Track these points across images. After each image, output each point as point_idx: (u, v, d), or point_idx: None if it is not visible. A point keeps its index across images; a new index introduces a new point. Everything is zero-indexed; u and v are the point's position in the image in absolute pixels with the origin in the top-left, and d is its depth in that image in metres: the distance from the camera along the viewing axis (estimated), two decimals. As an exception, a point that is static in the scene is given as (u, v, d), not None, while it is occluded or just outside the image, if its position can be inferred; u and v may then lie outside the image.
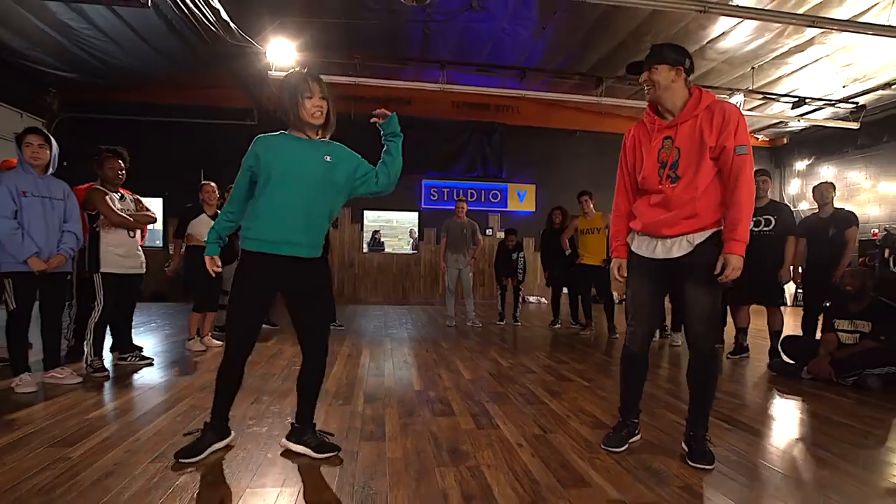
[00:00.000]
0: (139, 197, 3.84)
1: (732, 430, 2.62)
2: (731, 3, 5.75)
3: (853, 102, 8.77)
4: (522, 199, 10.35)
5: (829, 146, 10.19)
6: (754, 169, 4.58)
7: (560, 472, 2.05)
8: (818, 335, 4.33)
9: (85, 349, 3.49)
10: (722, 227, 2.06)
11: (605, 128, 10.35)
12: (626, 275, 2.29)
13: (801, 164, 10.88)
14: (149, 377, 3.46)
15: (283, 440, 2.20)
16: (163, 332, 5.58)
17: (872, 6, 6.01)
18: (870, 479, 2.06)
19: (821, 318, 4.40)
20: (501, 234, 9.87)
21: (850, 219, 4.50)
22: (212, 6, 5.78)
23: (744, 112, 8.69)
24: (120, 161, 3.60)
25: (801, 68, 7.95)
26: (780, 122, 10.07)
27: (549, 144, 10.39)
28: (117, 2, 5.64)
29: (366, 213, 9.97)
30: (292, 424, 2.21)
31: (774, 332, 4.53)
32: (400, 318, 7.35)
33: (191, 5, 5.68)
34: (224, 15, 6.01)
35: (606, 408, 2.96)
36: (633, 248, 2.26)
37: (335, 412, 2.75)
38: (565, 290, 6.71)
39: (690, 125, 2.07)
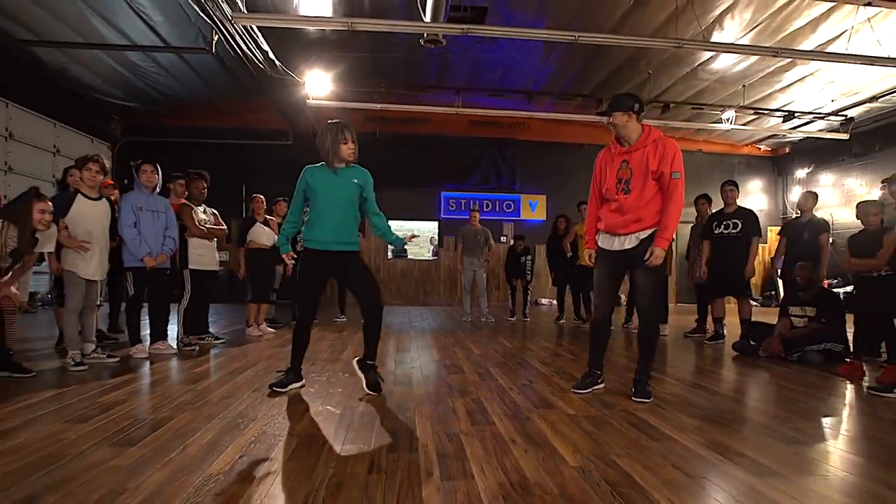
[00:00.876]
0: (215, 211, 4.84)
1: (679, 385, 3.42)
2: (706, 39, 6.55)
3: (842, 115, 9.40)
4: (534, 208, 11.19)
5: (827, 155, 10.77)
6: (725, 179, 5.43)
7: (536, 401, 2.89)
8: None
9: (177, 328, 4.48)
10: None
11: (610, 141, 11.12)
12: (594, 261, 3.16)
13: (801, 173, 11.47)
14: (225, 351, 4.41)
15: (354, 362, 3.11)
16: (220, 323, 6.57)
17: (841, 34, 6.72)
18: (791, 421, 2.85)
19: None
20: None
21: (823, 226, 5.21)
22: (261, 47, 6.83)
23: (737, 126, 9.45)
24: (203, 181, 4.60)
25: (790, 85, 8.65)
26: (778, 135, 10.71)
27: (558, 157, 11.22)
28: (188, 50, 6.75)
29: (389, 223, 10.91)
30: (360, 361, 3.09)
31: (744, 320, 5.26)
32: (421, 315, 8.23)
33: (243, 46, 6.73)
34: (271, 54, 7.06)
35: (581, 369, 3.78)
36: (598, 243, 3.09)
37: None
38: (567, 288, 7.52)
39: (640, 153, 2.87)
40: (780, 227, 5.53)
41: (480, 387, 3.22)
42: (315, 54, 7.82)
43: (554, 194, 11.21)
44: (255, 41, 6.55)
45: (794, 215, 11.05)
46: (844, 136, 9.47)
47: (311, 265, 2.99)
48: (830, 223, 8.31)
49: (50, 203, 3.28)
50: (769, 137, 11.30)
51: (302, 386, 3.07)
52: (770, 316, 5.56)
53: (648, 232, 2.89)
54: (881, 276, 3.96)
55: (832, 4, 6.10)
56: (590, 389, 3.10)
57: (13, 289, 3.23)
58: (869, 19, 6.15)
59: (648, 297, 2.95)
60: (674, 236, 3.03)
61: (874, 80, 8.15)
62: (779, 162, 12.14)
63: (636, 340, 3.07)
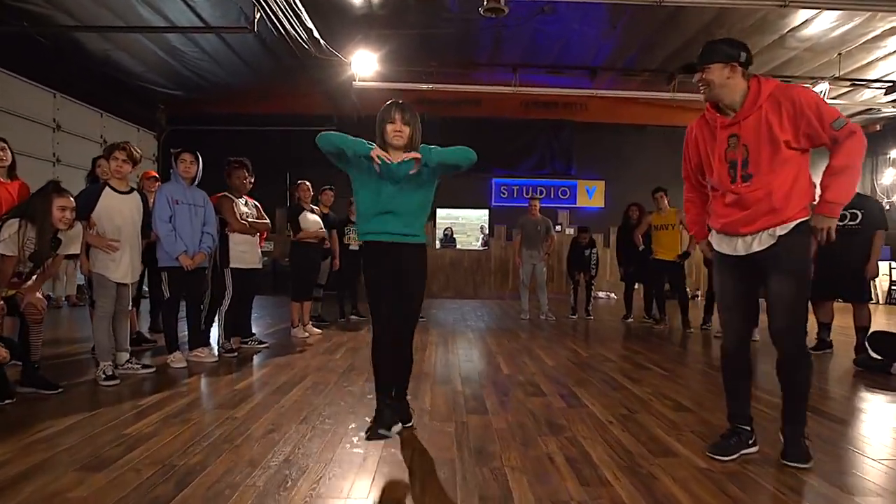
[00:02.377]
0: (257, 203, 4.42)
1: (819, 419, 2.74)
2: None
3: (957, 85, 8.14)
4: (592, 195, 10.41)
5: (930, 132, 9.48)
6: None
7: (649, 444, 2.29)
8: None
9: (217, 333, 4.10)
10: (808, 217, 2.02)
11: (675, 122, 10.12)
12: (714, 270, 2.35)
13: (895, 153, 10.17)
14: (270, 359, 4.00)
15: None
16: (263, 321, 6.24)
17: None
18: (958, 463, 2.16)
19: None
20: (570, 231, 10.03)
21: (881, 222, 4.32)
22: (305, 25, 6.35)
23: (829, 101, 8.33)
24: (245, 171, 4.17)
25: (894, 52, 7.50)
26: (872, 109, 9.47)
27: (618, 140, 10.36)
28: (228, 29, 6.37)
29: (437, 210, 10.42)
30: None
31: (861, 327, 4.44)
32: (475, 311, 7.69)
33: (287, 25, 6.27)
34: (315, 33, 6.58)
35: (686, 394, 3.15)
36: (714, 247, 2.24)
37: (438, 391, 3.12)
38: (637, 285, 6.79)
39: (755, 119, 2.01)
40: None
41: (571, 417, 2.64)
42: (361, 32, 7.30)
43: (613, 180, 10.38)
44: (300, 18, 6.08)
45: (883, 200, 9.87)
46: (960, 109, 8.21)
47: (372, 261, 2.40)
48: None
49: (72, 199, 2.89)
50: (860, 113, 10.03)
51: (408, 425, 2.43)
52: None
53: (791, 225, 2.00)
54: None
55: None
56: (735, 455, 2.14)
57: (38, 294, 2.88)
58: None
59: (788, 314, 2.04)
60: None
61: None
62: (870, 140, 10.80)
63: (776, 373, 2.16)
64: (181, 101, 10.03)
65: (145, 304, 5.20)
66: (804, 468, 2.02)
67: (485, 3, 5.17)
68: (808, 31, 7.14)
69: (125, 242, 3.26)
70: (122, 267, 3.25)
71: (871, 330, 4.31)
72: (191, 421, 2.48)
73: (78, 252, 3.06)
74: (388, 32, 7.32)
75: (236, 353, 4.01)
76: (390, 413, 2.28)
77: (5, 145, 3.48)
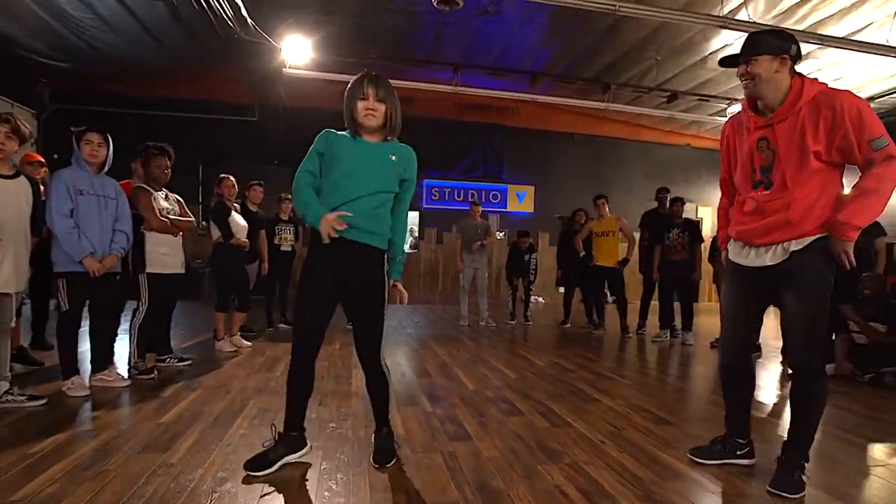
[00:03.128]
0: (179, 197, 3.77)
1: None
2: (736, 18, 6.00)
3: (839, 113, 9.22)
4: (522, 200, 10.51)
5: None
6: (713, 175, 4.82)
7: (653, 466, 2.15)
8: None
9: (129, 350, 3.42)
10: (826, 234, 1.88)
11: (602, 131, 10.60)
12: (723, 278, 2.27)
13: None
14: (196, 379, 3.40)
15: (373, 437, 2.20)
16: (177, 332, 5.44)
17: (868, 25, 6.36)
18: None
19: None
20: (500, 234, 10.04)
21: (879, 229, 4.68)
22: (232, 1, 5.68)
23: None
24: (166, 159, 3.53)
25: (793, 80, 8.32)
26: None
27: (547, 147, 10.57)
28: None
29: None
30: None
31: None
32: (409, 317, 7.35)
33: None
34: (243, 10, 5.91)
35: (657, 404, 3.12)
36: (730, 255, 2.17)
37: (408, 413, 2.78)
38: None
39: (790, 124, 1.88)
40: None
41: (562, 439, 2.43)
42: (293, 15, 6.69)
43: (542, 185, 10.57)
44: (226, -9, 5.41)
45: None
46: (840, 136, 9.31)
47: (317, 262, 2.03)
48: None
49: None
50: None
51: (303, 454, 2.11)
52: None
53: (808, 240, 1.89)
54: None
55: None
56: (720, 461, 2.18)
57: None
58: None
59: (804, 333, 1.92)
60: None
61: (880, 78, 7.95)
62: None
63: (789, 399, 2.10)
64: (68, 74, 8.63)
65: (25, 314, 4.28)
66: (791, 499, 1.89)
67: (438, -7, 4.89)
68: (726, 54, 7.68)
69: (9, 241, 2.56)
70: (5, 271, 2.55)
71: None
72: (109, 474, 1.93)
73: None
74: (323, 18, 6.79)
75: (153, 375, 3.36)
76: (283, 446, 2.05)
77: None
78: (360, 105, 2.01)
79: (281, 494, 1.81)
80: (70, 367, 2.98)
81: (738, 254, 2.11)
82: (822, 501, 1.90)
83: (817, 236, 1.89)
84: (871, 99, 8.61)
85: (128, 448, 2.17)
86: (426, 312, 8.01)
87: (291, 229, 5.67)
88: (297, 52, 6.85)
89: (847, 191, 1.90)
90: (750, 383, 2.23)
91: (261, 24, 6.42)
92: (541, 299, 10.30)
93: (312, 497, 1.80)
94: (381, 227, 2.07)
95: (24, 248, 2.68)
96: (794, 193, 1.90)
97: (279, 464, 2.00)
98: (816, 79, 1.95)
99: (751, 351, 2.31)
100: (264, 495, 1.79)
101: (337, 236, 1.90)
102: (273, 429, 2.09)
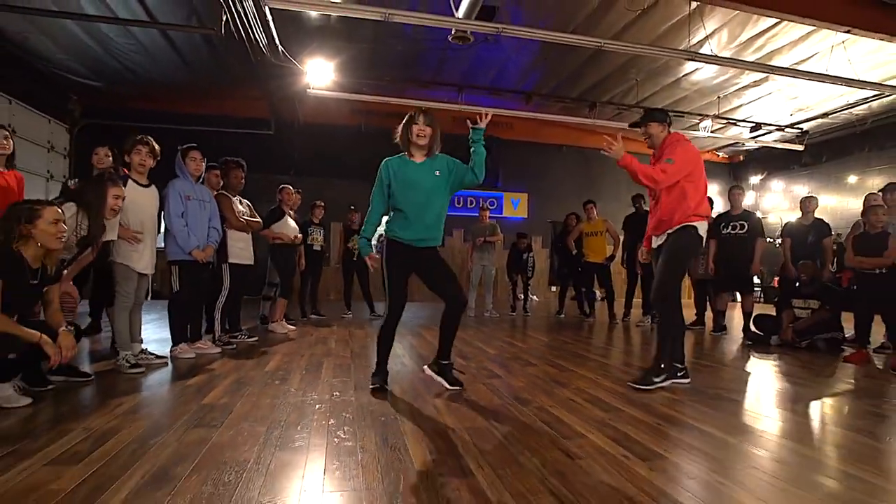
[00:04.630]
0: (249, 203, 4.59)
1: (716, 368, 3.67)
2: (701, 51, 7.01)
3: (798, 128, 10.34)
4: (516, 206, 11.43)
5: (778, 164, 11.81)
6: (731, 185, 5.90)
7: (634, 390, 3.02)
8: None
9: (216, 327, 4.22)
10: (694, 224, 3.11)
11: (589, 143, 11.59)
12: None
13: (755, 179, 12.50)
14: (271, 349, 4.19)
15: (426, 369, 3.05)
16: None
17: (814, 54, 7.41)
18: (822, 388, 3.15)
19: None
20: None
21: (826, 230, 5.61)
22: (269, 31, 6.51)
23: (709, 134, 10.10)
24: (241, 170, 4.35)
25: (756, 99, 9.41)
26: (737, 143, 11.60)
27: (539, 157, 11.52)
28: (192, 29, 6.30)
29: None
30: (436, 361, 3.04)
31: (746, 312, 5.71)
32: (421, 311, 8.17)
33: (248, 29, 6.38)
34: (277, 40, 6.74)
35: (639, 363, 3.98)
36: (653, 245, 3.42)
37: (448, 365, 3.62)
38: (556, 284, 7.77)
39: (660, 158, 3.17)
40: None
41: (569, 377, 3.29)
42: (315, 42, 7.55)
43: (535, 193, 11.50)
44: (266, 23, 6.24)
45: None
46: (799, 147, 10.42)
47: (396, 259, 2.89)
48: (780, 224, 9.16)
49: (123, 188, 2.99)
50: (729, 145, 12.20)
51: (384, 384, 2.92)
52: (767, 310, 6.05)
53: (676, 228, 3.12)
54: (883, 273, 4.47)
55: (812, 29, 6.72)
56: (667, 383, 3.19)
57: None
58: (843, 42, 6.83)
59: (655, 281, 3.19)
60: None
61: (832, 97, 9.04)
62: (734, 168, 13.15)
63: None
64: (99, 92, 9.37)
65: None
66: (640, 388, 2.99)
67: (453, 31, 5.78)
68: (696, 77, 8.72)
69: (147, 234, 3.36)
70: (146, 258, 3.35)
71: (754, 314, 5.57)
72: (254, 394, 2.75)
73: (115, 238, 3.13)
74: (342, 44, 7.66)
75: (235, 346, 4.16)
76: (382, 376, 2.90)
77: (8, 133, 3.38)
78: (415, 128, 2.82)
79: (391, 403, 2.64)
80: (179, 336, 3.77)
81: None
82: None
83: (682, 225, 3.12)
84: (825, 115, 9.75)
85: (255, 383, 2.98)
86: (435, 307, 8.81)
87: (321, 231, 6.49)
88: (319, 74, 7.69)
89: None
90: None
91: (287, 49, 7.26)
92: (535, 297, 11.20)
93: (410, 406, 2.63)
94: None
95: (155, 241, 3.48)
96: (668, 202, 3.15)
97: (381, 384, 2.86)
98: (677, 134, 3.24)
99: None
100: (373, 398, 2.62)
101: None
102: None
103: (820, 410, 2.76)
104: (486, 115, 3.00)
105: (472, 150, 2.99)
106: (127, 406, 2.46)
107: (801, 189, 11.32)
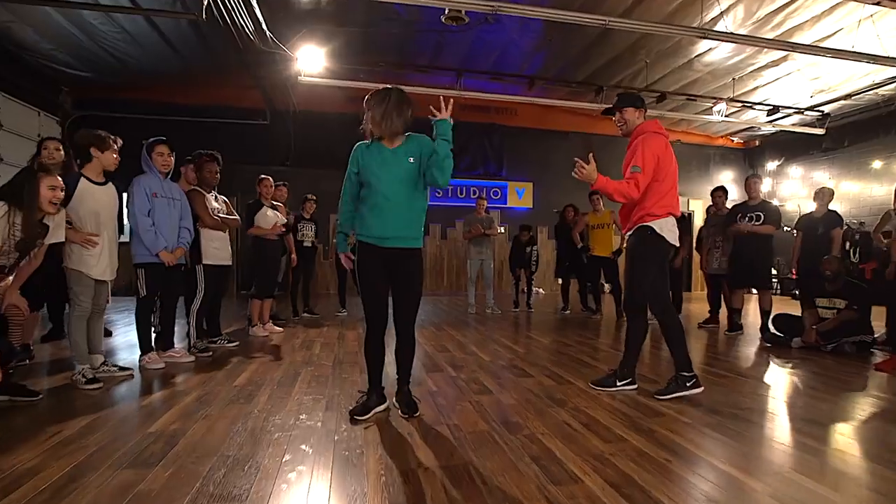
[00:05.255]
0: (226, 198, 4.29)
1: (733, 379, 3.33)
2: (715, 28, 6.53)
3: (819, 111, 9.79)
4: (521, 196, 11.04)
5: (797, 149, 11.25)
6: (703, 169, 5.98)
7: (639, 408, 2.69)
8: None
9: (188, 332, 3.95)
10: (648, 224, 2.95)
11: (595, 130, 11.14)
12: None
13: (771, 165, 11.94)
14: (250, 356, 3.92)
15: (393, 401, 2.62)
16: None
17: (838, 31, 6.90)
18: (846, 411, 2.80)
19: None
20: (500, 230, 10.56)
21: (837, 221, 5.26)
22: (254, 16, 6.17)
23: (723, 118, 9.61)
24: (216, 164, 4.05)
25: (774, 80, 8.88)
26: (753, 127, 11.07)
27: (544, 145, 11.10)
28: (174, 14, 5.98)
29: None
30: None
31: (764, 311, 5.32)
32: (420, 308, 7.88)
33: (234, 14, 6.05)
34: (264, 25, 6.40)
35: (647, 370, 3.64)
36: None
37: (437, 377, 3.32)
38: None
39: (629, 149, 3.01)
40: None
41: (567, 392, 2.97)
42: (306, 27, 7.19)
43: (540, 182, 11.09)
44: (250, 8, 5.90)
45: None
46: (820, 131, 9.88)
47: (366, 263, 2.48)
48: (798, 213, 8.68)
49: (60, 178, 2.68)
50: (744, 130, 11.66)
51: (387, 408, 2.58)
52: (785, 305, 5.66)
53: (632, 229, 3.02)
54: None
55: (837, 2, 6.23)
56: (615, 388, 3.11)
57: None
58: (871, 16, 6.33)
59: (626, 293, 3.12)
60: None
61: (856, 77, 8.48)
62: (749, 154, 12.60)
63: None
64: (89, 83, 9.12)
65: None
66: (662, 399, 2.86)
67: (447, 11, 5.40)
68: (709, 58, 8.22)
69: (104, 237, 3.08)
70: (103, 262, 3.07)
71: (774, 313, 5.18)
72: (213, 416, 2.47)
73: (64, 240, 2.84)
74: (334, 29, 7.29)
75: (210, 353, 3.90)
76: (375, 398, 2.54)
77: None
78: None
79: (361, 431, 2.34)
80: (147, 344, 3.50)
81: None
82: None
83: (637, 226, 2.98)
84: (848, 96, 9.20)
85: (218, 401, 2.70)
86: (434, 303, 8.55)
87: (313, 227, 6.19)
88: (310, 60, 7.34)
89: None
90: (644, 329, 3.17)
91: (277, 35, 6.92)
92: (541, 290, 10.86)
93: (380, 434, 2.33)
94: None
95: (115, 243, 3.19)
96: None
97: (374, 411, 2.49)
98: (655, 120, 3.04)
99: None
100: (343, 423, 2.33)
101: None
102: (359, 393, 2.61)
103: (854, 438, 2.41)
104: (448, 101, 2.52)
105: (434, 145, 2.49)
106: (64, 435, 2.19)
107: (821, 175, 10.79)
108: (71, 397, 2.77)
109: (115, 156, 3.06)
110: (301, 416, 2.47)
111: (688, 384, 2.91)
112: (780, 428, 2.46)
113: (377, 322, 2.50)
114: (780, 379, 3.53)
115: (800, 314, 5.02)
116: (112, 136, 3.10)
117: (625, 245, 3.21)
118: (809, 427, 2.46)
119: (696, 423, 2.47)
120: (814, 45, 6.76)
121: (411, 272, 2.52)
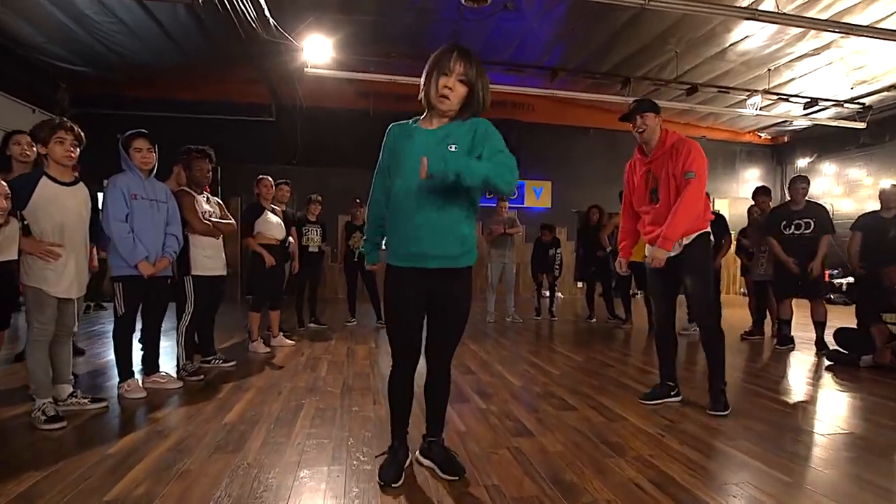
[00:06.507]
0: (220, 200, 3.81)
1: (801, 409, 2.79)
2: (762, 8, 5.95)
3: (859, 103, 9.14)
4: (539, 195, 10.49)
5: (830, 144, 10.59)
6: (728, 166, 5.71)
7: (718, 457, 2.17)
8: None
9: (177, 352, 3.48)
10: (708, 229, 2.84)
11: (618, 125, 10.54)
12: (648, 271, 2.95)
13: (802, 162, 11.29)
14: (246, 380, 3.44)
15: (418, 457, 2.11)
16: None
17: (893, 13, 6.30)
18: None
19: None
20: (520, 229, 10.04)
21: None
22: (256, 3, 5.70)
23: (757, 112, 9.01)
24: (208, 161, 3.57)
25: (812, 71, 8.25)
26: (784, 121, 10.43)
27: (563, 142, 10.55)
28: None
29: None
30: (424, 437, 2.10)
31: (818, 322, 4.76)
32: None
33: (235, 2, 5.59)
34: (267, 12, 5.93)
35: (704, 395, 3.11)
36: (646, 253, 2.93)
37: (463, 410, 2.82)
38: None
39: (661, 160, 2.82)
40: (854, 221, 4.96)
41: (622, 433, 2.45)
42: (313, 15, 6.71)
43: (559, 180, 10.54)
44: (251, -6, 5.43)
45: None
46: (860, 125, 9.24)
47: (396, 287, 1.89)
48: (831, 213, 7.98)
49: (3, 183, 2.21)
50: (774, 125, 11.03)
51: (410, 462, 2.06)
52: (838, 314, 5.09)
53: (693, 236, 2.80)
54: None
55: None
56: (661, 401, 3.00)
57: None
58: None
59: (699, 301, 2.89)
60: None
61: (904, 65, 7.85)
62: (778, 150, 11.95)
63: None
64: (87, 79, 8.72)
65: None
66: (723, 414, 2.75)
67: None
68: (743, 46, 7.63)
69: (70, 247, 2.60)
70: (67, 278, 2.59)
71: (836, 327, 4.60)
72: (191, 473, 1.97)
73: (16, 257, 2.37)
74: (342, 17, 6.81)
75: (202, 377, 3.41)
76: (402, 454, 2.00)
77: None
78: (442, 81, 1.77)
79: (375, 495, 1.85)
80: (126, 370, 3.03)
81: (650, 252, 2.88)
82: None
83: (699, 232, 2.80)
84: (893, 87, 8.55)
85: (201, 448, 2.22)
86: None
87: (318, 230, 5.70)
88: (317, 51, 6.86)
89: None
90: (673, 344, 3.09)
91: (282, 24, 6.45)
92: (560, 294, 10.31)
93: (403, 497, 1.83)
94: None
95: (84, 254, 2.71)
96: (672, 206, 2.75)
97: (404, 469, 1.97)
98: (671, 130, 2.87)
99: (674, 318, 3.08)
100: (350, 495, 1.83)
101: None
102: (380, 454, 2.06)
103: None
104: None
105: None
106: (-2, 504, 1.71)
107: (858, 172, 10.14)
108: (22, 443, 2.30)
109: (64, 147, 2.55)
110: (302, 474, 1.98)
111: (672, 393, 3.05)
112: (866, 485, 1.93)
113: (402, 362, 1.94)
114: (853, 411, 2.98)
115: (854, 327, 4.47)
116: (63, 121, 2.59)
117: (679, 253, 2.81)
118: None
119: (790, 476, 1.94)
120: (871, 26, 6.15)
121: (453, 297, 1.91)
